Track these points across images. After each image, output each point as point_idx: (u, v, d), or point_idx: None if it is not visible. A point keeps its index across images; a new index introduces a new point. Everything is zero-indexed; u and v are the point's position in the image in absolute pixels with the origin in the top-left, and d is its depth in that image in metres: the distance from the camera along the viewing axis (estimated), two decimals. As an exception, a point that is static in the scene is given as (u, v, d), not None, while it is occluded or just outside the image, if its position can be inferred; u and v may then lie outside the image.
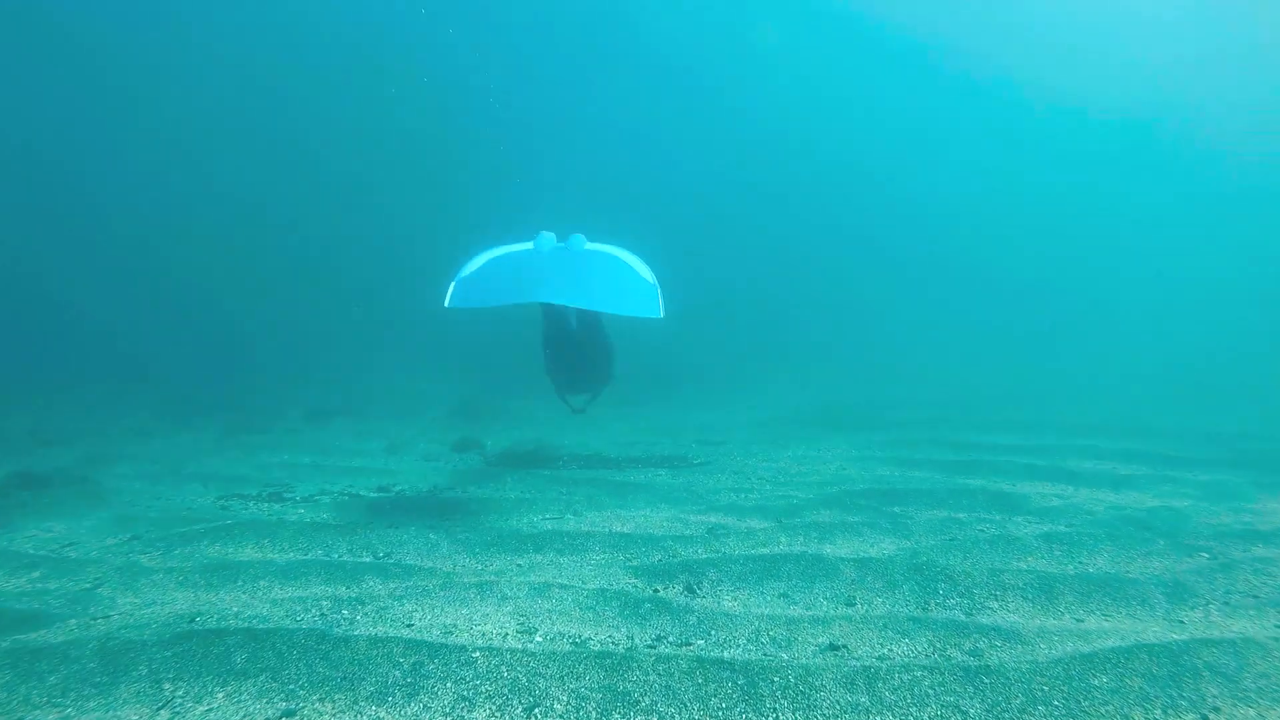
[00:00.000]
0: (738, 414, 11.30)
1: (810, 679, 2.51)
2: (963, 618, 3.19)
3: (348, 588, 3.63)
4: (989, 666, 2.53)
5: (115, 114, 25.97)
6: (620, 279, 5.00)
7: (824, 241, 31.94)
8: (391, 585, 3.65)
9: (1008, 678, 2.45)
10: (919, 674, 2.51)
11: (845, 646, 2.89)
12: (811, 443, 8.33)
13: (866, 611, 3.28)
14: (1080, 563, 3.85)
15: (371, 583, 3.69)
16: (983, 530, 4.55)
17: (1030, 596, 3.38)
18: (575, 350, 5.62)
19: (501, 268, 5.06)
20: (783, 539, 4.38)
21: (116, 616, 3.22)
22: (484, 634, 3.05)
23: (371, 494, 5.86)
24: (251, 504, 5.57)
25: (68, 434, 8.58)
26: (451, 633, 3.05)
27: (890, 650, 2.86)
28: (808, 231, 32.40)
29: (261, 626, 2.98)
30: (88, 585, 3.69)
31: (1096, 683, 2.42)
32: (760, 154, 33.06)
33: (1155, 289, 26.91)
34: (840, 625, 3.09)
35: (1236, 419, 9.52)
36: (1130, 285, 27.69)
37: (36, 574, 3.88)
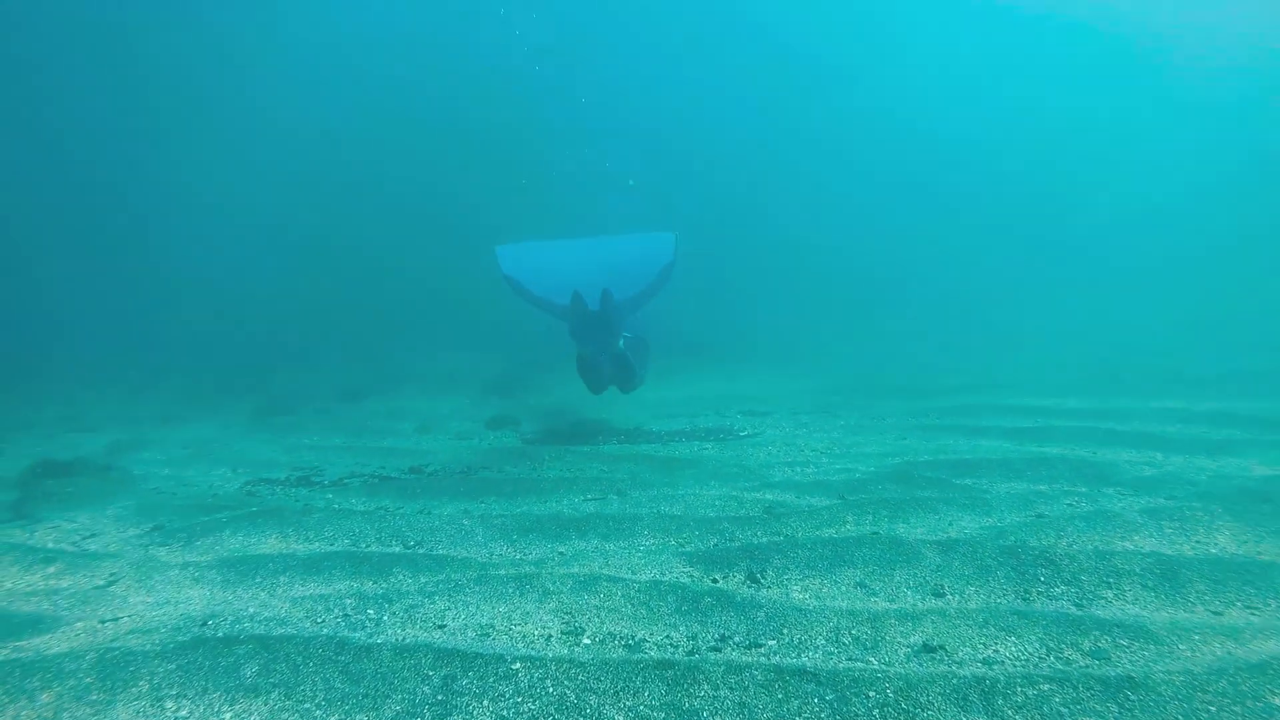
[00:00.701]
0: (781, 383, 10.84)
1: (913, 694, 2.10)
2: (1074, 610, 2.75)
3: (375, 583, 3.31)
4: (1131, 678, 2.09)
5: (149, 109, 25.98)
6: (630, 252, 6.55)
7: (861, 205, 30.90)
8: (422, 579, 3.32)
9: (1160, 694, 2.02)
10: (1045, 687, 2.09)
11: (943, 648, 2.48)
12: (863, 411, 7.86)
13: (960, 604, 2.85)
14: (1199, 542, 3.37)
15: (400, 576, 3.37)
16: (1072, 505, 4.08)
17: (1150, 584, 2.92)
18: (605, 369, 6.19)
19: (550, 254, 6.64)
20: (849, 518, 3.96)
21: (126, 619, 2.93)
22: (524, 636, 2.70)
23: (403, 476, 5.56)
24: (279, 489, 5.31)
25: (98, 421, 8.47)
26: (488, 635, 2.71)
27: (997, 651, 2.44)
28: (845, 197, 31.36)
29: (277, 632, 2.67)
30: (101, 582, 3.42)
31: None
32: (804, 121, 31.96)
33: (1186, 240, 25.46)
34: (932, 621, 2.67)
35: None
36: (1163, 237, 26.28)
37: (51, 569, 3.64)
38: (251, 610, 2.97)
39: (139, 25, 22.67)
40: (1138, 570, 3.00)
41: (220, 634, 2.67)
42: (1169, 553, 3.22)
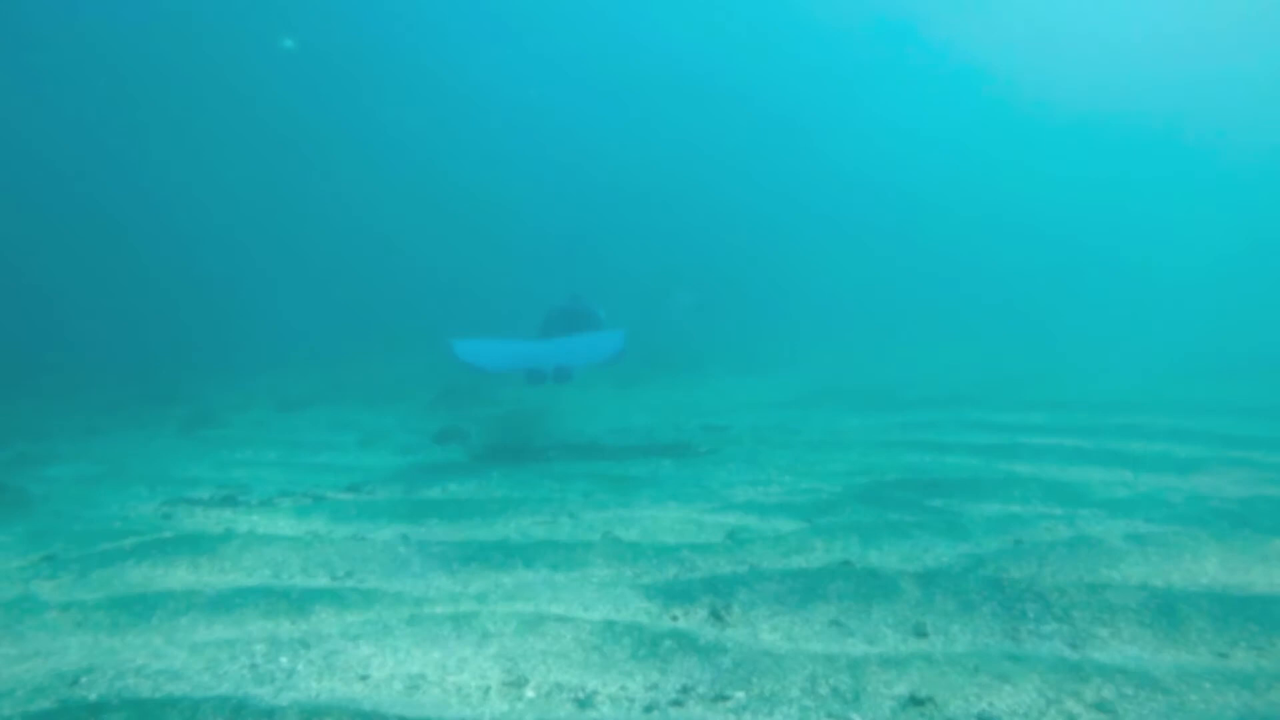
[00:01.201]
0: (739, 395, 10.61)
1: (907, 765, 1.81)
2: (1070, 652, 2.51)
3: (292, 623, 2.91)
4: (1152, 742, 1.84)
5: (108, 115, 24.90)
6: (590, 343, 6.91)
7: (819, 224, 31.18)
8: (347, 618, 2.93)
9: (1188, 764, 1.77)
10: (1057, 755, 1.82)
11: (931, 699, 2.21)
12: (826, 426, 7.65)
13: (946, 646, 2.59)
14: (1188, 571, 3.18)
15: (323, 615, 2.97)
16: (1050, 529, 3.88)
17: (1147, 621, 2.70)
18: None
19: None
20: (819, 545, 3.70)
21: (-18, 676, 2.49)
22: (459, 689, 2.35)
23: (338, 495, 5.12)
24: (199, 511, 4.82)
25: (3, 433, 7.78)
26: (418, 688, 2.35)
27: (993, 704, 2.17)
28: (804, 215, 31.61)
29: (162, 692, 2.27)
30: (-36, 627, 2.95)
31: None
32: (763, 140, 32.20)
33: (1147, 273, 26.46)
34: (918, 667, 2.40)
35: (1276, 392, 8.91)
36: (1124, 268, 27.23)
37: (-91, 611, 3.13)
38: (139, 662, 2.55)
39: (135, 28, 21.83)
40: (1132, 605, 2.78)
41: (93, 696, 2.26)
42: (1160, 584, 3.01)
